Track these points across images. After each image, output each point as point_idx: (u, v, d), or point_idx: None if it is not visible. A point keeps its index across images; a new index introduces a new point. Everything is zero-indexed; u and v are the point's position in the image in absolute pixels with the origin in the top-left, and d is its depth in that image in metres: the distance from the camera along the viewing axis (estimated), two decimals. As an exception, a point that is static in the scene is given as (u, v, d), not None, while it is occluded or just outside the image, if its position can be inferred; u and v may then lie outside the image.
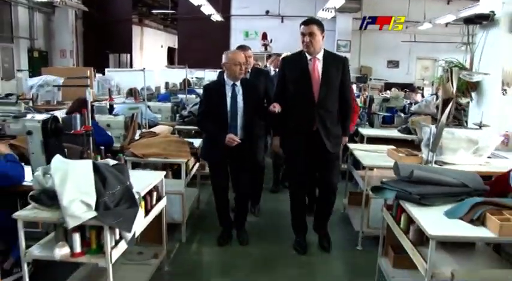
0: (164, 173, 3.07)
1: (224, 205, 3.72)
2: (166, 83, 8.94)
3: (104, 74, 9.97)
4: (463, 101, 4.75)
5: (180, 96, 6.59)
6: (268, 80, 4.22)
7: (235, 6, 14.38)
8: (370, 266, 3.12)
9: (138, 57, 17.55)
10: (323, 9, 10.73)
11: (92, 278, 2.71)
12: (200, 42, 13.99)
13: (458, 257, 2.33)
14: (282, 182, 5.14)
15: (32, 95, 6.88)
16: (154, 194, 2.84)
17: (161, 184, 2.99)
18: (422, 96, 8.24)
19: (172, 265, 3.30)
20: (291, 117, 3.38)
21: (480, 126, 3.62)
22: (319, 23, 3.29)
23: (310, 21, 3.27)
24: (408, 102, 6.53)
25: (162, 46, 21.53)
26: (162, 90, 8.68)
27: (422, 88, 10.31)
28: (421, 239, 2.30)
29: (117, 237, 2.24)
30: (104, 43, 14.85)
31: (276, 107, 3.25)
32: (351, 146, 4.02)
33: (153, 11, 19.26)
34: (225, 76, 3.51)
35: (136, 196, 2.36)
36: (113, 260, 2.18)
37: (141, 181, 2.67)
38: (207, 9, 11.52)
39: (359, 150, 3.88)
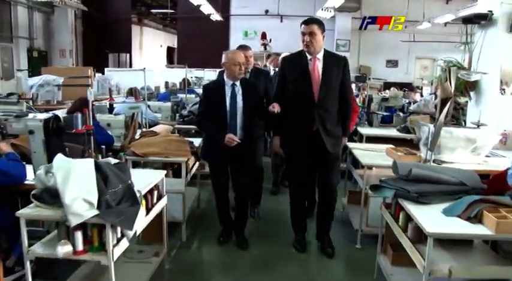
0: (165, 172, 3.09)
1: (224, 204, 3.73)
2: (166, 83, 8.97)
3: (103, 73, 9.98)
4: (462, 100, 4.77)
5: (180, 95, 6.61)
6: (268, 80, 4.23)
7: (235, 5, 14.40)
8: (369, 264, 3.16)
9: (137, 57, 17.57)
10: (322, 9, 10.74)
11: (93, 276, 2.73)
12: (199, 41, 14.01)
13: (456, 255, 2.36)
14: (282, 182, 5.15)
15: (32, 95, 6.89)
16: (155, 193, 2.86)
17: (162, 183, 3.01)
18: (421, 95, 8.26)
19: (173, 263, 3.33)
20: (291, 117, 3.38)
21: (478, 125, 3.65)
22: (319, 23, 3.28)
23: (310, 21, 3.26)
24: (407, 101, 6.55)
25: (161, 46, 21.55)
26: (162, 90, 8.70)
27: (421, 88, 10.34)
28: (419, 236, 2.33)
29: (119, 235, 2.26)
30: (103, 43, 14.88)
31: (276, 107, 3.24)
32: (350, 145, 4.04)
33: (152, 11, 19.28)
34: (224, 76, 3.50)
35: (138, 195, 2.39)
36: (115, 258, 2.21)
37: (142, 179, 2.69)
38: (207, 8, 11.53)
39: (358, 149, 3.90)
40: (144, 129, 4.58)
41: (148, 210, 2.68)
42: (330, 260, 3.45)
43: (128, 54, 16.52)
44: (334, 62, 3.34)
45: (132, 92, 5.93)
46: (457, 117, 4.87)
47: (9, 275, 2.67)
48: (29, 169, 2.72)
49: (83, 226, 2.16)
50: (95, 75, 9.13)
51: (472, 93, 4.45)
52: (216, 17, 12.70)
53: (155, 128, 4.64)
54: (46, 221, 2.88)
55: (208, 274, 3.26)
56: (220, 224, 3.79)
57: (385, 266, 2.90)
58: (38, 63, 11.86)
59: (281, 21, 14.17)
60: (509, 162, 2.74)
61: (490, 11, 4.13)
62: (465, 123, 4.61)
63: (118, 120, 4.26)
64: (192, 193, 4.35)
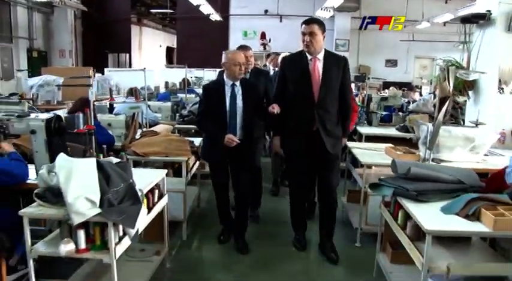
0: (166, 171, 3.10)
1: (225, 203, 3.74)
2: (166, 83, 9.00)
3: (103, 73, 10.00)
4: (460, 99, 4.80)
5: (180, 95, 6.63)
6: (268, 80, 4.23)
7: (234, 5, 14.42)
8: (369, 262, 3.18)
9: (136, 57, 17.59)
10: (322, 9, 10.76)
11: (95, 274, 2.75)
12: (199, 41, 14.04)
13: (454, 252, 2.39)
14: (281, 181, 5.16)
15: (32, 95, 6.91)
16: (156, 192, 2.88)
17: (163, 182, 3.03)
18: (421, 95, 8.29)
19: (174, 262, 3.36)
20: (291, 117, 3.37)
21: (476, 124, 3.68)
22: (320, 23, 3.27)
23: (311, 21, 3.26)
24: (406, 101, 6.58)
25: (160, 46, 21.57)
26: (162, 90, 8.72)
27: (421, 87, 10.37)
28: (418, 234, 2.36)
29: (121, 233, 2.29)
30: (103, 43, 14.89)
31: (275, 108, 3.23)
32: (350, 144, 4.06)
33: (152, 11, 19.29)
34: (224, 76, 3.50)
35: (139, 194, 2.41)
36: (117, 256, 2.23)
37: (143, 179, 2.71)
38: (206, 8, 11.54)
39: (357, 148, 3.92)
40: (144, 129, 4.60)
41: (149, 209, 2.71)
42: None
43: (128, 55, 16.53)
44: (334, 62, 3.34)
45: (132, 92, 5.95)
46: (456, 117, 4.89)
47: (12, 273, 2.70)
48: (31, 168, 2.74)
49: (85, 225, 2.19)
50: (94, 76, 9.16)
51: (470, 93, 4.48)
52: (215, 17, 12.72)
53: (155, 128, 4.66)
54: (48, 221, 2.91)
55: (209, 272, 3.28)
56: (220, 223, 3.81)
57: (384, 264, 2.92)
58: (37, 63, 11.88)
59: (280, 21, 14.19)
60: (508, 160, 2.76)
61: (489, 11, 4.15)
62: (464, 123, 4.63)
63: (119, 120, 4.27)
64: (193, 192, 4.37)
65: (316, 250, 3.60)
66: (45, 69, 9.14)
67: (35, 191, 2.26)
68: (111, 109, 5.40)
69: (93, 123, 2.94)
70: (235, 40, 13.96)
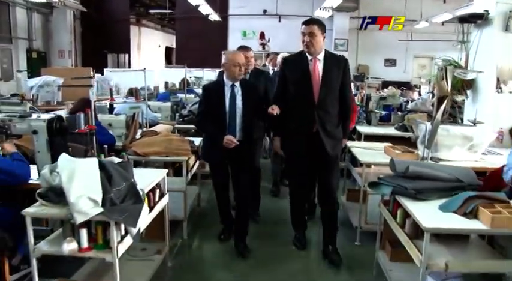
0: (166, 170, 3.13)
1: (225, 203, 3.77)
2: (166, 83, 9.02)
3: (102, 74, 10.02)
4: (459, 98, 4.82)
5: (180, 95, 6.65)
6: (268, 81, 4.23)
7: (233, 5, 14.44)
8: (368, 261, 3.21)
9: (135, 57, 17.60)
10: (320, 9, 10.79)
11: (97, 273, 2.77)
12: (198, 42, 14.05)
13: (452, 250, 2.41)
14: (281, 180, 5.16)
15: (32, 96, 6.92)
16: (157, 191, 2.90)
17: (163, 181, 3.05)
18: (420, 94, 8.32)
19: (175, 260, 3.38)
20: (291, 118, 3.36)
21: (474, 123, 3.70)
22: (320, 24, 3.26)
23: (311, 21, 3.26)
24: (405, 100, 6.61)
25: (159, 46, 21.57)
26: (161, 90, 8.74)
27: (420, 86, 10.40)
28: (417, 232, 2.38)
29: (123, 232, 2.31)
30: (102, 43, 14.89)
31: (275, 110, 3.22)
32: (349, 143, 4.07)
33: (151, 11, 19.30)
34: (224, 77, 3.49)
35: (141, 193, 2.43)
36: (119, 255, 2.25)
37: (144, 178, 2.73)
38: (205, 9, 11.56)
39: (357, 147, 3.95)
40: (144, 129, 4.62)
41: (150, 208, 2.73)
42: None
43: (127, 55, 16.55)
44: (335, 63, 3.32)
45: (132, 93, 5.97)
46: (454, 116, 4.92)
47: (15, 273, 2.72)
48: (33, 168, 2.76)
49: (87, 224, 2.21)
50: (94, 76, 9.17)
51: (468, 92, 4.50)
52: (214, 17, 12.74)
53: (156, 128, 4.69)
54: (50, 220, 2.93)
55: (209, 271, 3.31)
56: (221, 222, 3.83)
57: (383, 262, 2.95)
58: (37, 64, 11.90)
59: (279, 21, 14.21)
60: (505, 159, 2.79)
61: (486, 11, 4.18)
62: (462, 122, 4.66)
63: (119, 120, 4.30)
64: (193, 192, 4.39)
65: (316, 249, 3.63)
66: (44, 70, 9.16)
67: (38, 191, 2.29)
68: (111, 109, 5.42)
69: (94, 124, 2.96)
70: (234, 40, 13.99)
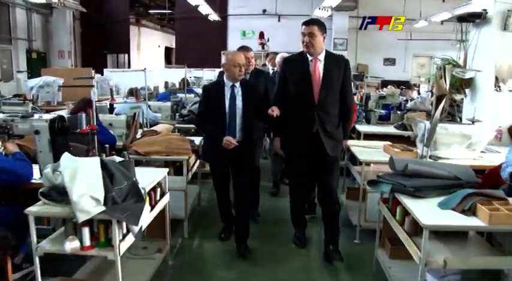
0: (167, 169, 3.15)
1: (225, 203, 3.78)
2: (166, 83, 9.04)
3: (102, 74, 10.03)
4: (458, 97, 4.84)
5: (180, 95, 6.68)
6: (268, 81, 4.24)
7: (232, 5, 14.46)
8: (368, 258, 3.24)
9: (135, 57, 17.62)
10: (319, 8, 10.81)
11: (99, 271, 2.80)
12: (197, 41, 14.07)
13: (451, 247, 2.44)
14: (281, 179, 5.18)
15: (32, 96, 6.93)
16: (158, 190, 2.93)
17: (164, 180, 3.07)
18: (419, 93, 8.34)
19: (176, 259, 3.41)
20: (291, 118, 3.34)
21: (473, 121, 3.72)
22: (320, 24, 3.26)
23: (311, 22, 3.25)
24: (404, 99, 6.63)
25: (159, 46, 21.59)
26: (161, 90, 8.76)
27: (419, 85, 10.42)
28: (416, 229, 2.41)
29: (125, 231, 2.33)
30: (102, 43, 14.90)
31: (275, 111, 3.21)
32: (348, 142, 4.08)
33: (150, 11, 19.31)
34: (224, 77, 3.49)
35: (142, 191, 2.45)
36: (121, 253, 2.28)
37: (145, 177, 2.75)
38: (204, 9, 11.57)
39: (356, 146, 3.97)
40: (145, 129, 4.64)
41: (152, 207, 2.75)
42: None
43: (126, 55, 16.57)
44: (335, 64, 3.31)
45: (132, 92, 5.99)
46: (453, 114, 4.94)
47: (17, 271, 2.75)
48: (35, 168, 2.78)
49: (89, 222, 2.23)
50: (94, 76, 9.18)
51: (467, 91, 4.53)
52: (213, 17, 12.75)
53: (156, 128, 4.71)
54: (52, 219, 2.95)
55: (210, 269, 3.33)
56: (221, 221, 3.86)
57: (383, 260, 2.97)
58: (37, 64, 11.91)
59: (279, 20, 14.24)
60: (504, 157, 2.81)
61: (485, 10, 4.20)
62: (461, 120, 4.68)
63: (120, 120, 4.32)
64: (193, 191, 4.41)
65: (316, 247, 3.65)
66: (44, 70, 9.17)
67: (40, 190, 2.31)
68: (111, 109, 5.44)
69: (95, 124, 2.98)
70: (233, 40, 14.01)
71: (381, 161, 3.44)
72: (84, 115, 2.86)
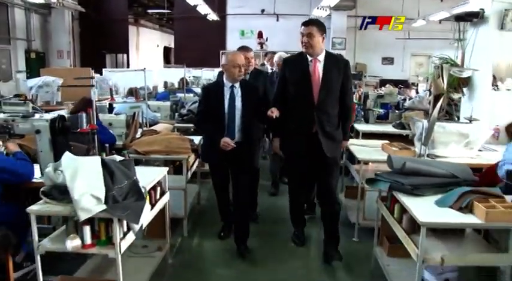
0: (167, 169, 3.17)
1: (225, 202, 3.80)
2: (165, 83, 9.05)
3: (101, 74, 10.04)
4: (455, 96, 4.87)
5: (179, 95, 6.69)
6: (267, 81, 4.24)
7: (231, 5, 14.46)
8: (366, 256, 3.27)
9: (134, 57, 17.61)
10: (318, 8, 10.82)
11: (100, 270, 2.82)
12: (196, 41, 14.07)
13: (448, 244, 2.46)
14: (280, 178, 5.19)
15: (31, 96, 6.94)
16: (158, 189, 2.95)
17: (164, 179, 3.09)
18: (417, 92, 8.36)
19: (176, 257, 3.43)
20: (291, 118, 3.34)
21: (470, 120, 3.75)
22: (319, 24, 3.25)
23: (309, 22, 3.25)
24: (402, 98, 6.65)
25: (158, 46, 21.57)
26: (160, 90, 8.77)
27: (417, 84, 10.44)
28: (413, 227, 2.43)
29: (125, 229, 2.35)
30: (101, 43, 14.89)
31: (274, 112, 3.20)
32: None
33: (149, 11, 19.31)
34: (224, 77, 3.48)
35: (143, 190, 2.48)
36: (122, 251, 2.30)
37: (146, 176, 2.77)
38: (203, 8, 11.58)
39: (355, 145, 3.98)
40: (144, 128, 4.66)
41: (152, 206, 2.77)
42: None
43: (125, 55, 16.57)
44: (335, 64, 3.30)
45: (131, 92, 6.01)
46: (451, 113, 4.97)
47: (18, 270, 2.77)
48: (35, 167, 2.80)
49: (90, 221, 2.25)
50: (93, 76, 9.19)
51: (465, 90, 4.56)
52: (212, 16, 12.76)
53: (156, 127, 4.73)
54: (52, 218, 2.97)
55: (209, 268, 3.35)
56: (221, 220, 3.88)
57: (381, 258, 3.00)
58: (35, 64, 11.90)
59: (277, 20, 14.24)
60: (501, 155, 2.84)
61: (482, 9, 4.23)
62: (459, 119, 4.71)
63: (119, 119, 4.34)
64: (193, 190, 4.44)
65: (315, 246, 3.67)
66: (43, 70, 9.17)
67: (42, 189, 2.33)
68: (110, 109, 5.46)
69: (95, 123, 3.00)
70: (232, 40, 14.02)
71: (379, 159, 3.46)
72: (84, 115, 2.88)
